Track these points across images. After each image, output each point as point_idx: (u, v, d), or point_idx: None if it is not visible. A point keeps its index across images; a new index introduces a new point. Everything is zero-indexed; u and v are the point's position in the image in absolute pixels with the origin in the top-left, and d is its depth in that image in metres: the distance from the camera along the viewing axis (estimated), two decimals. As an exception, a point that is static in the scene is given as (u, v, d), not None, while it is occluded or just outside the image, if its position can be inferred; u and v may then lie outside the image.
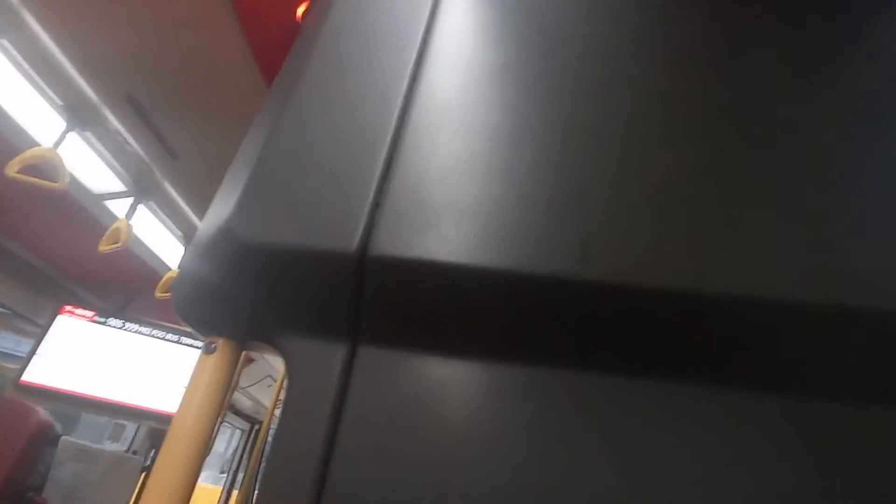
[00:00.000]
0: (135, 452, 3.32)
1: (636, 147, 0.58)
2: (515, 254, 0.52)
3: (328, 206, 0.55)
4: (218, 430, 3.21)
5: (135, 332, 2.72)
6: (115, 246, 2.04)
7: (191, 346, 2.77)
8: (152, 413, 2.57)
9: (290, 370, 0.54)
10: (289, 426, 0.52)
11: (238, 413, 4.88)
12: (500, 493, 0.49)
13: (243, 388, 4.07)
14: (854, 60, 0.65)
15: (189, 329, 2.75)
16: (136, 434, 3.58)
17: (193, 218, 2.41)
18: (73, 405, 2.47)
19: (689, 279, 0.50)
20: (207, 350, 0.58)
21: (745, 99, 0.62)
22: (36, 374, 2.47)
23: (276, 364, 3.67)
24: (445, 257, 0.52)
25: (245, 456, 5.05)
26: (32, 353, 2.50)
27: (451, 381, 0.54)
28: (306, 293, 0.55)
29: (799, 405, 0.51)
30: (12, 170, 1.69)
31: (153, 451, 3.26)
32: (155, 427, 2.89)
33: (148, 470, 2.85)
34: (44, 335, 2.55)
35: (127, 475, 2.75)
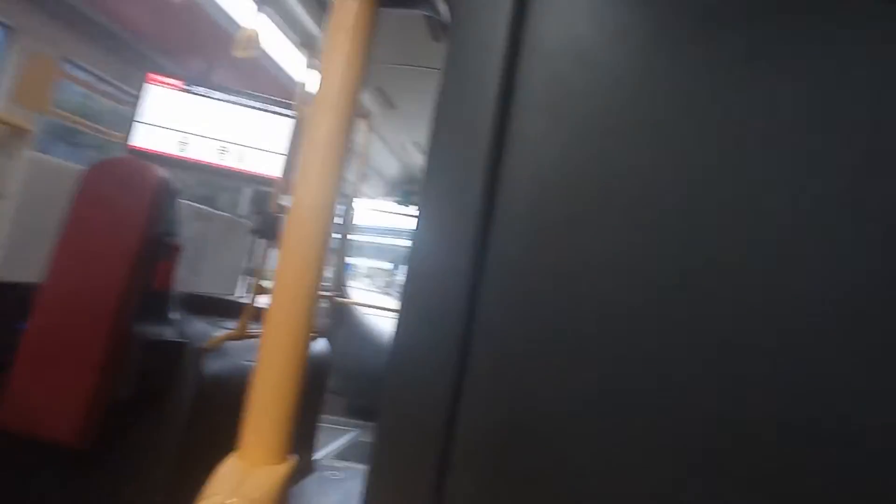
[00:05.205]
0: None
1: None
2: None
3: None
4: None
5: (223, 100, 2.72)
6: (247, 53, 2.21)
7: (277, 113, 2.77)
8: (255, 176, 2.71)
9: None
10: (458, 73, 0.44)
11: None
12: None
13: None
14: None
15: (275, 97, 2.71)
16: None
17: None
18: (180, 168, 2.62)
19: None
20: None
21: None
22: (140, 139, 2.59)
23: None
24: None
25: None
26: (132, 119, 2.59)
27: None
28: None
29: None
30: None
31: (258, 215, 3.54)
32: (259, 190, 3.07)
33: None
34: (138, 102, 2.60)
35: (239, 237, 3.05)
